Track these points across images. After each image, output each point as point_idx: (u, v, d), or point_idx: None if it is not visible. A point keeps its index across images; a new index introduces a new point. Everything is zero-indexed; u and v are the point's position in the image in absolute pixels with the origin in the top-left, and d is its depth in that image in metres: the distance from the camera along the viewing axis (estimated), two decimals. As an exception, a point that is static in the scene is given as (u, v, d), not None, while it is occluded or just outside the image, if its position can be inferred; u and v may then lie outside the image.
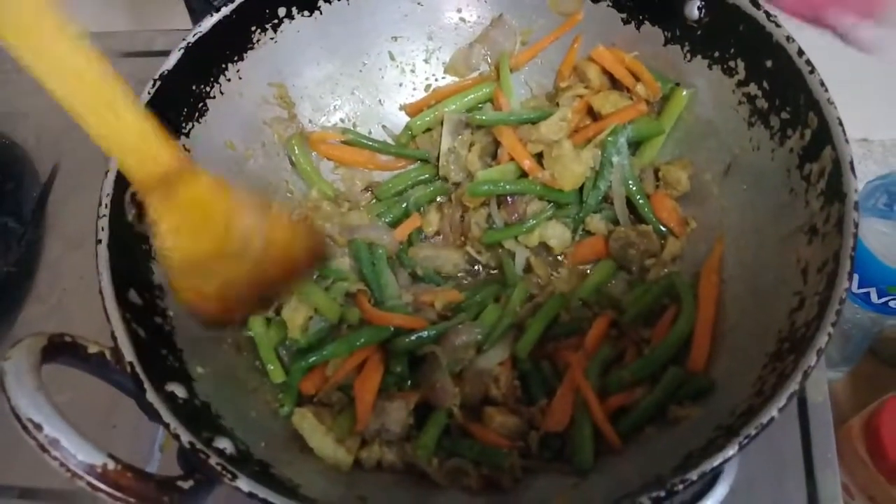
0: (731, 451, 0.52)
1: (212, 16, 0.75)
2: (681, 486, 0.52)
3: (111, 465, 0.50)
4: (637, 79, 0.81)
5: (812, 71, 0.65)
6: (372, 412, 0.71)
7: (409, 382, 0.75)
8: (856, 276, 1.00)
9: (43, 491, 0.80)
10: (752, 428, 0.53)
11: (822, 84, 0.65)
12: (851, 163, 0.61)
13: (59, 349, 0.56)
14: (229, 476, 0.54)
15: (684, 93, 0.79)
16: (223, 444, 0.60)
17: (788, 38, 0.67)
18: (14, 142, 1.06)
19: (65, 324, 0.88)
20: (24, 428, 0.48)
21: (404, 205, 0.86)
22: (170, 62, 0.73)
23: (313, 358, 0.74)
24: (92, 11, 1.24)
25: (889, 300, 1.00)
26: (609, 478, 0.65)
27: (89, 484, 0.49)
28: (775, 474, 0.74)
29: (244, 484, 0.54)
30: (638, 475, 0.60)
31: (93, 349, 0.59)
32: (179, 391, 0.62)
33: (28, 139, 1.06)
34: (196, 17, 1.12)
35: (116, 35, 1.13)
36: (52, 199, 1.01)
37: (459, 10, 0.87)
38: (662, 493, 0.52)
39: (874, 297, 1.01)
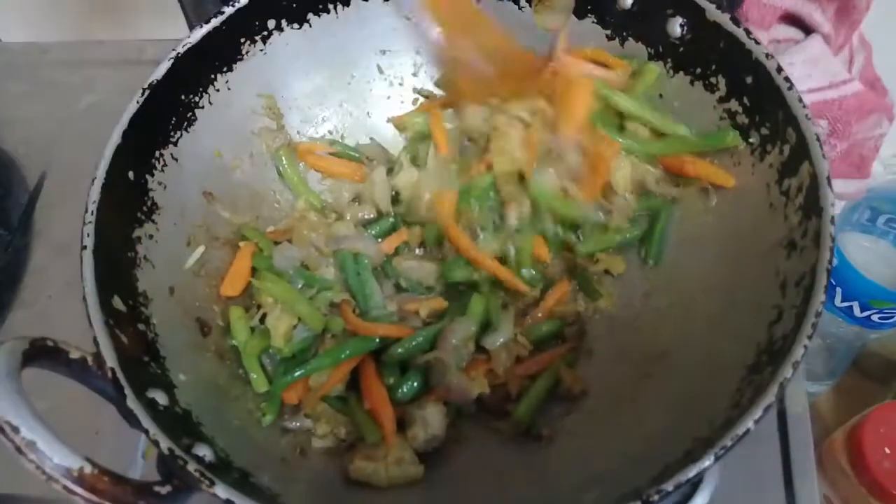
0: (707, 461, 0.53)
1: (201, 27, 0.76)
2: (656, 497, 0.52)
3: (87, 469, 0.50)
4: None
5: (791, 87, 0.66)
6: (410, 427, 0.72)
7: (416, 387, 0.75)
8: (839, 290, 1.01)
9: (20, 497, 0.80)
10: (728, 439, 0.53)
11: (801, 100, 0.66)
12: (829, 178, 0.62)
13: (41, 353, 0.56)
14: (207, 482, 0.54)
15: (654, 66, 0.79)
16: (203, 451, 0.60)
17: (768, 55, 0.68)
18: (2, 149, 1.07)
19: (50, 330, 0.87)
20: (1, 430, 0.49)
21: (391, 217, 0.86)
22: (159, 72, 0.74)
23: (298, 373, 0.75)
24: (82, 21, 1.25)
25: (872, 314, 1.01)
26: (588, 492, 0.65)
27: (65, 487, 0.49)
28: (755, 485, 0.75)
29: (221, 491, 0.54)
30: (616, 487, 0.60)
31: (74, 354, 0.59)
32: (160, 398, 0.62)
33: (16, 147, 1.07)
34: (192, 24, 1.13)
35: (106, 44, 1.15)
36: (40, 206, 1.01)
37: (448, 24, 0.88)
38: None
39: (857, 311, 1.02)
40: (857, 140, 0.82)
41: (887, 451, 0.87)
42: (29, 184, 1.03)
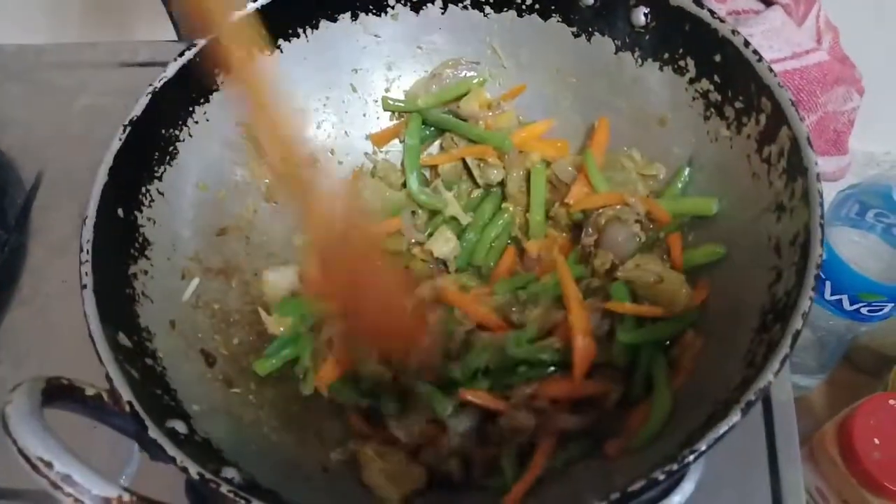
0: (735, 417, 0.54)
1: (175, 60, 0.77)
2: (691, 458, 0.53)
3: (126, 498, 0.49)
4: None
5: (760, 59, 0.69)
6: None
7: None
8: (828, 284, 1.02)
9: (21, 491, 0.80)
10: (752, 394, 0.54)
11: (771, 70, 0.68)
12: (808, 138, 0.64)
13: (57, 392, 0.55)
14: (243, 501, 0.54)
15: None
16: (230, 473, 0.59)
17: (734, 32, 0.71)
18: None
19: (48, 329, 0.91)
20: (34, 468, 0.48)
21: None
22: (138, 108, 0.74)
23: None
24: (76, 23, 1.25)
25: (861, 307, 1.03)
26: (609, 473, 0.66)
27: (105, 518, 0.48)
28: (740, 472, 0.76)
29: (259, 507, 0.54)
30: (642, 461, 0.61)
31: (90, 391, 0.58)
32: (180, 427, 0.61)
33: (13, 147, 1.07)
34: (180, 33, 1.13)
35: (101, 46, 1.15)
36: (37, 206, 1.02)
37: (417, 39, 0.89)
38: (675, 467, 0.53)
39: (846, 305, 1.04)
40: (827, 113, 0.85)
41: (877, 441, 0.89)
42: (25, 184, 1.04)
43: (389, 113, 0.92)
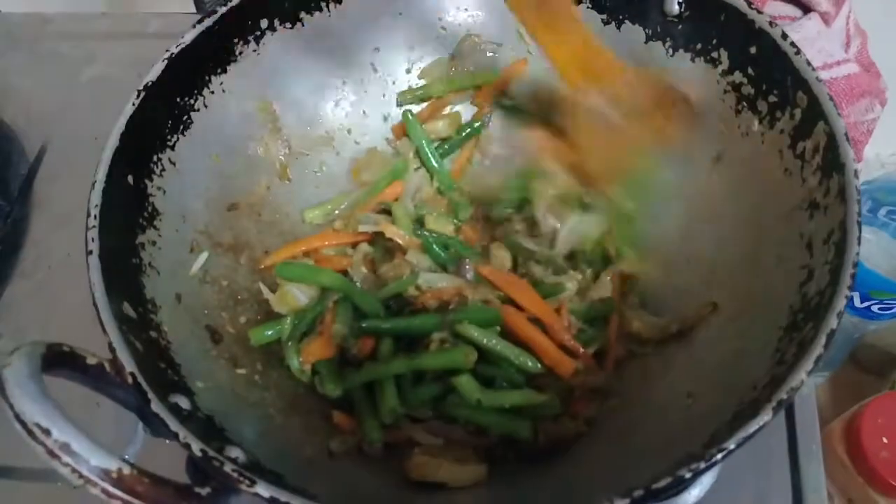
0: (767, 416, 0.52)
1: (194, 27, 0.75)
2: (719, 456, 0.51)
3: (126, 470, 0.47)
4: None
5: (798, 52, 0.67)
6: None
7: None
8: None
9: (20, 470, 0.78)
10: (784, 392, 0.52)
11: (809, 64, 0.66)
12: (846, 134, 0.62)
13: (58, 359, 0.53)
14: (247, 482, 0.51)
15: None
16: (234, 452, 0.56)
17: (771, 23, 0.69)
18: (2, 120, 1.05)
19: (49, 302, 0.89)
20: (31, 434, 0.45)
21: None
22: (153, 73, 0.72)
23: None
24: None
25: (872, 304, 1.02)
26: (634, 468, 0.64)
27: (104, 490, 0.46)
28: (760, 466, 0.74)
29: (263, 489, 0.51)
30: (664, 460, 0.58)
31: (91, 360, 0.55)
32: (183, 403, 0.59)
33: (16, 118, 1.06)
34: (200, 7, 1.11)
35: (109, 16, 1.14)
36: (40, 177, 1.01)
37: (441, 19, 0.87)
38: (702, 465, 0.51)
39: (857, 302, 1.03)
40: (849, 123, 0.83)
41: (885, 440, 0.88)
42: (29, 155, 1.02)
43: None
